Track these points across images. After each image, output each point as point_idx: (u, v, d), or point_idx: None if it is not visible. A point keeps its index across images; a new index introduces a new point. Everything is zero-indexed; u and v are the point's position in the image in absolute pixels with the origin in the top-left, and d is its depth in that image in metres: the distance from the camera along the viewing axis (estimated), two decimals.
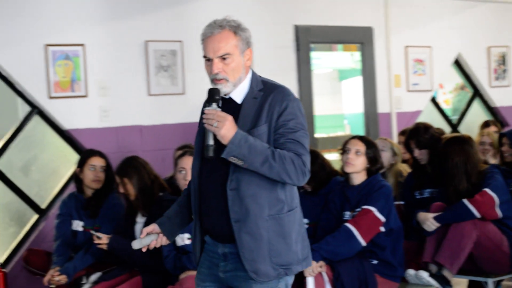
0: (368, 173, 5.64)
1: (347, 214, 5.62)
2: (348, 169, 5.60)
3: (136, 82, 7.64)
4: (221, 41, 3.54)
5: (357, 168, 5.60)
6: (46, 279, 5.89)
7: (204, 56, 3.58)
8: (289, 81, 8.72)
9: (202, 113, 3.55)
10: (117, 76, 7.51)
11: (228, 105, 3.58)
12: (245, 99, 3.60)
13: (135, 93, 7.62)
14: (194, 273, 5.06)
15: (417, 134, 6.31)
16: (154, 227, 3.72)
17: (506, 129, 10.37)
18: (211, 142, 3.45)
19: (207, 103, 3.51)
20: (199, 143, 3.64)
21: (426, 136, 6.29)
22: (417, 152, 6.30)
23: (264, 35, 8.56)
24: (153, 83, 7.69)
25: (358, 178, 5.63)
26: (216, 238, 3.64)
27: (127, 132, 7.58)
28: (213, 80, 3.55)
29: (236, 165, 3.48)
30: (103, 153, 6.49)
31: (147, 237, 3.71)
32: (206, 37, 3.57)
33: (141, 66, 7.65)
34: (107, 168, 6.37)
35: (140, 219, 5.90)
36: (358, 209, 5.53)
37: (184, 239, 5.58)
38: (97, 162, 6.35)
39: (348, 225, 5.42)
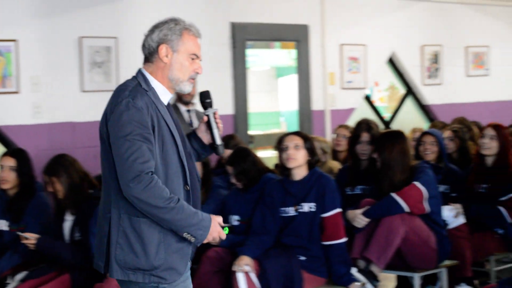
0: (308, 167, 5.71)
1: (291, 210, 5.70)
2: (291, 164, 5.63)
3: (69, 78, 7.59)
4: None
5: (300, 162, 5.64)
6: None
7: (194, 54, 3.67)
8: (224, 78, 8.77)
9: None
10: (51, 72, 7.46)
11: (167, 108, 3.68)
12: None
13: (68, 90, 7.58)
14: None
15: (372, 129, 6.44)
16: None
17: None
18: (220, 141, 3.78)
19: (208, 105, 3.79)
20: (183, 142, 3.65)
21: (377, 132, 6.42)
22: (365, 146, 6.38)
23: (200, 32, 8.58)
24: (87, 80, 7.66)
25: (300, 172, 5.68)
26: None
27: (59, 128, 7.53)
28: (191, 79, 3.66)
29: None
30: (24, 151, 6.25)
31: None
32: (196, 36, 3.71)
33: (75, 62, 7.62)
34: (20, 168, 6.07)
35: (68, 217, 5.85)
36: (304, 204, 5.64)
37: None
38: (6, 162, 6.07)
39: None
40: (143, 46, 3.65)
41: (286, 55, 10.99)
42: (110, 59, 7.80)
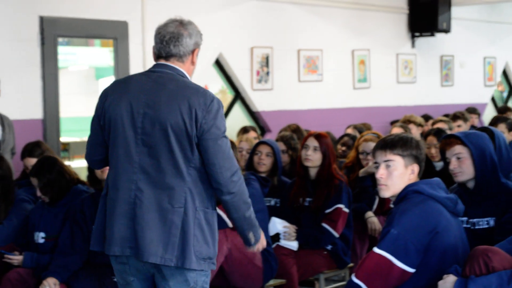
0: None
1: None
2: (106, 175, 5.38)
3: None
4: None
5: None
6: None
7: None
8: (32, 78, 8.57)
9: None
10: None
11: None
12: None
13: None
14: None
15: None
16: None
17: (266, 136, 10.75)
18: None
19: None
20: None
21: None
22: None
23: (4, 26, 8.38)
24: None
25: None
26: None
27: None
28: None
29: None
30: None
31: None
32: None
33: None
34: None
35: None
36: None
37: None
38: None
39: None
40: (176, 44, 4.23)
41: (107, 54, 10.86)
42: None
